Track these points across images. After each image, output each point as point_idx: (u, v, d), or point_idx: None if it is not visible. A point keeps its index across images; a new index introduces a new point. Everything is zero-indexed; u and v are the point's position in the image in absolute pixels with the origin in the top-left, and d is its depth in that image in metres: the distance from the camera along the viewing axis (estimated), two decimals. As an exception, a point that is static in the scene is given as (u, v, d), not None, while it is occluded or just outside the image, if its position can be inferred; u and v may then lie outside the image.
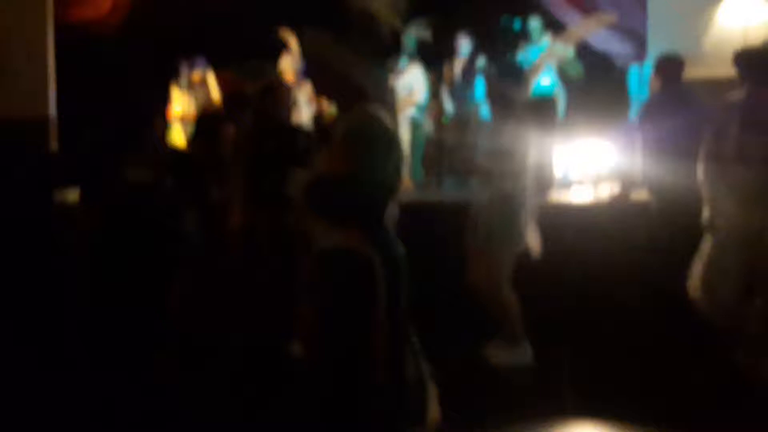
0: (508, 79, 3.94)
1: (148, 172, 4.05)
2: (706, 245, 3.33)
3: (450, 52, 6.74)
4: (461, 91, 6.61)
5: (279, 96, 4.20)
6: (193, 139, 4.47)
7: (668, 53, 4.42)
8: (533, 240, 3.73)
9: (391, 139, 2.20)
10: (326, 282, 2.13)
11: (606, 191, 4.86)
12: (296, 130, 4.15)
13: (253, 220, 3.64)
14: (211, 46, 7.03)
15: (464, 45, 6.67)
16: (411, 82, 6.25)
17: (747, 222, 3.14)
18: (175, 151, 4.70)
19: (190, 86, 6.83)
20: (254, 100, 4.28)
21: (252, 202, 3.66)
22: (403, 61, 6.13)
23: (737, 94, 3.24)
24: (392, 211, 2.31)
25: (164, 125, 4.70)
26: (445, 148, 6.23)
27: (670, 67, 4.23)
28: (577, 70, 6.19)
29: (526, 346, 3.71)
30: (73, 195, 6.15)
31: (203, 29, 7.17)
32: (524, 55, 6.55)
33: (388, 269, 2.13)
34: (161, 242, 3.82)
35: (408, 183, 6.16)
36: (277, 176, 2.43)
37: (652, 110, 4.18)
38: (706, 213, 3.33)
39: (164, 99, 6.87)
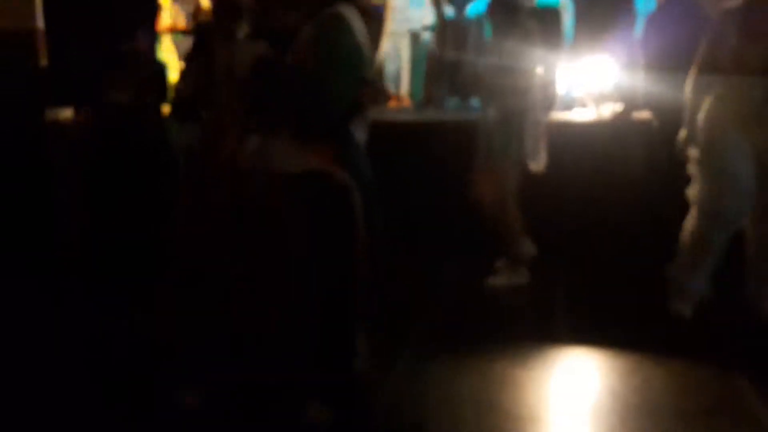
0: None
1: (130, 92, 3.93)
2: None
3: None
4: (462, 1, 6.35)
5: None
6: (186, 55, 4.29)
7: None
8: (541, 157, 3.69)
9: (357, 46, 2.09)
10: (299, 208, 2.03)
11: (608, 110, 4.77)
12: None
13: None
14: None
15: None
16: None
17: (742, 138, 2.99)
18: (161, 68, 4.50)
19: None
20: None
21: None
22: None
23: (735, 2, 3.07)
24: (361, 134, 2.23)
25: (149, 40, 4.45)
26: (445, 63, 6.03)
27: None
28: None
29: (524, 268, 3.75)
30: (65, 113, 6.02)
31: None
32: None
33: (362, 191, 2.07)
34: (150, 165, 3.77)
35: (407, 101, 6.02)
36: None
37: (655, 24, 4.10)
38: (688, 131, 3.19)
39: (150, 11, 6.56)
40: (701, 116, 3.06)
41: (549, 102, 4.88)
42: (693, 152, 3.14)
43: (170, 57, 6.54)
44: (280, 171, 1.99)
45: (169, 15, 6.54)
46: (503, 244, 3.76)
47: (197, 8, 6.60)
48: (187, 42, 6.52)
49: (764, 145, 2.95)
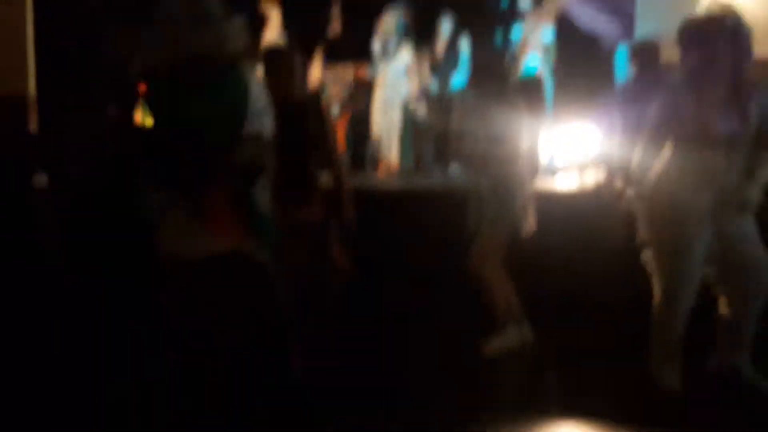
0: (497, 58, 3.87)
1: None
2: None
3: (431, 34, 6.62)
4: (445, 73, 6.54)
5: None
6: None
7: (644, 39, 4.38)
8: (529, 223, 3.71)
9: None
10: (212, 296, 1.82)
11: (591, 178, 4.82)
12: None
13: None
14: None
15: (445, 25, 6.56)
16: (405, 63, 6.21)
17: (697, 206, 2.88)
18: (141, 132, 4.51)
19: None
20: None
21: None
22: (393, 43, 6.15)
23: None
24: (263, 197, 2.13)
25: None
26: (431, 132, 6.15)
27: (644, 52, 4.22)
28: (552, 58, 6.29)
29: (519, 331, 3.72)
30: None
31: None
32: (513, 33, 6.56)
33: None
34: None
35: (395, 166, 6.09)
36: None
37: (628, 95, 4.16)
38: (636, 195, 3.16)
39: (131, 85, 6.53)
40: (653, 181, 2.99)
41: (534, 170, 4.96)
42: (644, 224, 3.09)
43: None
44: (186, 257, 1.79)
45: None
46: (496, 310, 3.75)
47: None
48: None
49: (721, 208, 2.89)
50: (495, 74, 3.80)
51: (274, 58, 3.21)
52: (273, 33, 6.61)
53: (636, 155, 3.07)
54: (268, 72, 3.20)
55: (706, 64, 2.83)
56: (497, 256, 3.66)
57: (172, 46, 1.56)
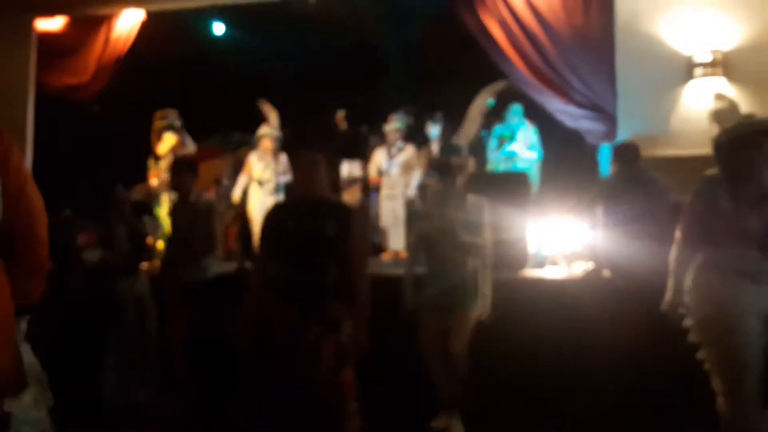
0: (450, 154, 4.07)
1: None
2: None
3: (425, 136, 6.94)
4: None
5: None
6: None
7: (624, 141, 4.52)
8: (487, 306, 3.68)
9: None
10: None
11: (579, 268, 4.76)
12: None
13: None
14: (193, 117, 6.99)
15: (433, 128, 6.90)
16: (408, 160, 6.51)
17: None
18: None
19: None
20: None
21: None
22: (399, 142, 6.55)
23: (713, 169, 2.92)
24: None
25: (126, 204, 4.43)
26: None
27: (623, 152, 4.37)
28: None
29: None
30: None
31: (185, 101, 7.16)
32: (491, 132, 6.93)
33: None
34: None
35: (403, 254, 6.08)
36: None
37: (606, 192, 4.24)
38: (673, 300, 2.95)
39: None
40: (693, 287, 2.83)
41: (520, 260, 4.91)
42: (694, 330, 2.85)
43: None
44: None
45: (156, 174, 6.61)
46: (448, 393, 3.62)
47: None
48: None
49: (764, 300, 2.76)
50: (445, 165, 3.90)
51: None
52: (271, 131, 6.81)
53: (673, 260, 2.94)
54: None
55: (752, 166, 2.74)
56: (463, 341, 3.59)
57: None
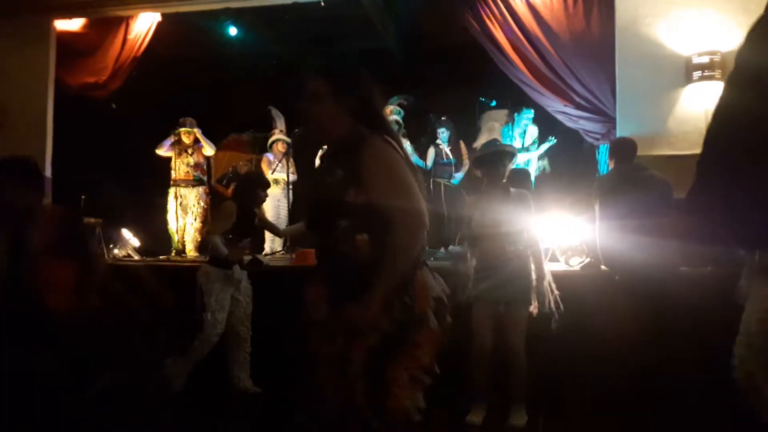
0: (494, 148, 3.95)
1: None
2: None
3: (432, 136, 6.94)
4: (443, 170, 6.93)
5: None
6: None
7: (621, 137, 4.44)
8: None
9: None
10: None
11: (576, 263, 4.75)
12: None
13: None
14: (206, 116, 7.01)
15: (443, 132, 6.95)
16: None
17: None
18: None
19: (181, 148, 6.71)
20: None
21: None
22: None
23: None
24: None
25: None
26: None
27: (620, 148, 4.30)
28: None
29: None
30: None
31: (199, 100, 7.18)
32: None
33: None
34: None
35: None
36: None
37: (604, 188, 4.20)
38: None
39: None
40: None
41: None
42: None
43: (171, 206, 6.62)
44: None
45: (174, 167, 6.68)
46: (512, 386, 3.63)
47: (199, 162, 6.80)
48: (185, 192, 6.70)
49: None
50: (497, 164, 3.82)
51: None
52: (282, 136, 6.93)
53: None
54: None
55: None
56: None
57: None
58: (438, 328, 1.93)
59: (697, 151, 1.28)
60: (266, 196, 4.38)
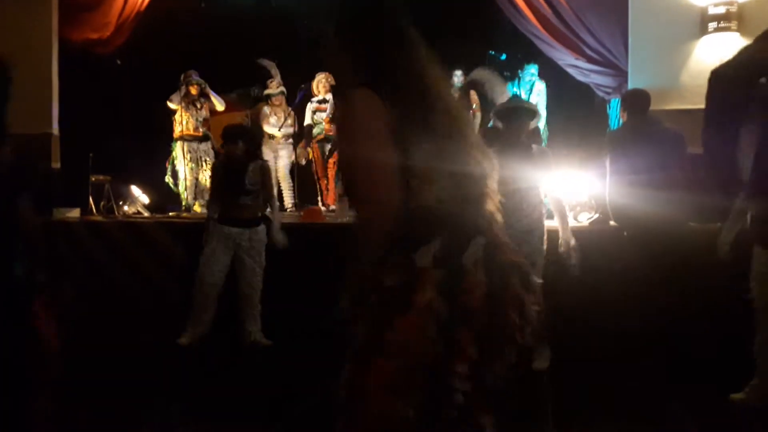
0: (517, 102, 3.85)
1: None
2: None
3: None
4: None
5: None
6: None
7: (634, 89, 4.30)
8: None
9: None
10: None
11: (585, 218, 4.71)
12: None
13: None
14: (211, 72, 6.90)
15: (456, 78, 6.71)
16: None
17: None
18: None
19: (189, 101, 6.63)
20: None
21: None
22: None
23: None
24: None
25: None
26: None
27: (633, 100, 4.13)
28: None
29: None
30: (73, 212, 5.97)
31: (198, 55, 7.04)
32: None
33: None
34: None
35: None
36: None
37: (616, 141, 4.08)
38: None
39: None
40: None
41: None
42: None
43: (180, 161, 6.57)
44: None
45: (180, 121, 6.61)
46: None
47: (207, 116, 6.73)
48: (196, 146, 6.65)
49: None
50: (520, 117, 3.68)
51: None
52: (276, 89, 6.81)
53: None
54: None
55: None
56: None
57: None
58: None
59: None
60: (246, 147, 4.27)
